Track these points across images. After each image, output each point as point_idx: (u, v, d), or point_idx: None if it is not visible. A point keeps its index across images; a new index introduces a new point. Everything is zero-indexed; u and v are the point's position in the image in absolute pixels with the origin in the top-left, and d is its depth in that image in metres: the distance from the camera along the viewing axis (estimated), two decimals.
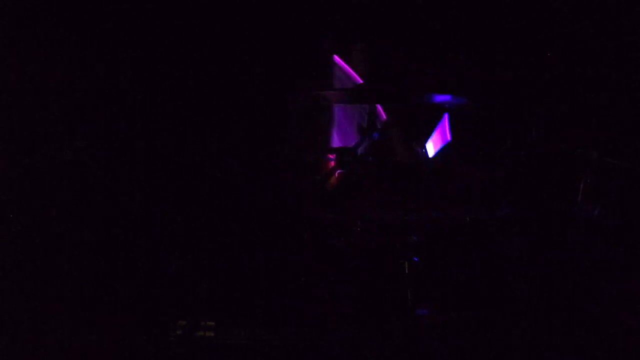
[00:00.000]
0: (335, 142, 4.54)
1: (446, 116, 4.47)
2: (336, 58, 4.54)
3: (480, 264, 4.03)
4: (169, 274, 4.09)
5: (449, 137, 4.46)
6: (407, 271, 3.92)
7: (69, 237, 4.15)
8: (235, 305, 3.98)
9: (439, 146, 4.47)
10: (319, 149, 4.40)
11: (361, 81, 4.53)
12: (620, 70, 4.36)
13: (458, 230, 4.07)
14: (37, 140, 4.24)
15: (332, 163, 4.13)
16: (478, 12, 4.62)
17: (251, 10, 4.51)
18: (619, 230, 4.05)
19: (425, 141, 4.49)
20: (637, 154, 4.16)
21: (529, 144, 4.33)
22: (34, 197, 4.17)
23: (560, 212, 4.16)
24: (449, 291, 3.97)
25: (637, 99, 4.32)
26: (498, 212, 4.09)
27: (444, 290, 3.97)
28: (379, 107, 4.43)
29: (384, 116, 4.53)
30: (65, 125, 4.29)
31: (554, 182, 4.24)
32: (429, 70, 4.61)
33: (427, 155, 4.46)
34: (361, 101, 4.37)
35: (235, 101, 4.52)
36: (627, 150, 4.19)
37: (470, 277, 4.00)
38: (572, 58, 4.44)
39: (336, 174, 4.10)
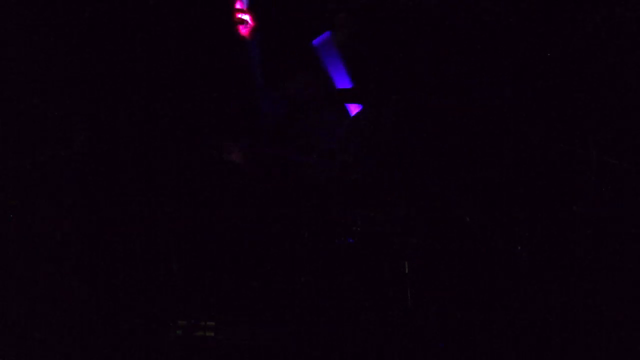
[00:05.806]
0: None
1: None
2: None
3: (480, 265, 4.03)
4: (169, 274, 4.09)
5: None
6: (407, 271, 3.93)
7: (69, 237, 4.15)
8: (235, 305, 3.98)
9: None
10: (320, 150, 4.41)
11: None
12: (620, 70, 4.36)
13: (458, 230, 4.08)
14: (37, 140, 4.25)
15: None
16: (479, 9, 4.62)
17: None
18: (619, 230, 4.06)
19: None
20: (637, 154, 4.16)
21: (529, 143, 4.33)
22: (34, 197, 4.17)
23: (560, 212, 4.16)
24: (449, 291, 3.98)
25: (637, 99, 4.32)
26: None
27: (444, 290, 3.98)
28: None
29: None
30: (65, 125, 4.30)
31: (554, 182, 4.24)
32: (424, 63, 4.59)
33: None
34: None
35: (235, 100, 4.53)
36: (627, 150, 4.19)
37: (470, 277, 4.00)
38: (572, 58, 4.44)
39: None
